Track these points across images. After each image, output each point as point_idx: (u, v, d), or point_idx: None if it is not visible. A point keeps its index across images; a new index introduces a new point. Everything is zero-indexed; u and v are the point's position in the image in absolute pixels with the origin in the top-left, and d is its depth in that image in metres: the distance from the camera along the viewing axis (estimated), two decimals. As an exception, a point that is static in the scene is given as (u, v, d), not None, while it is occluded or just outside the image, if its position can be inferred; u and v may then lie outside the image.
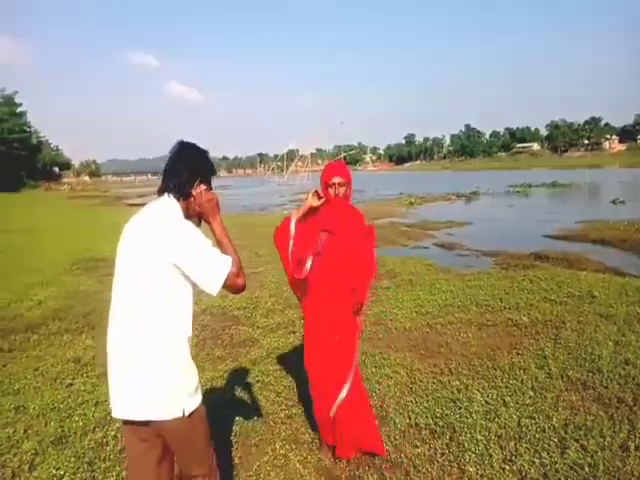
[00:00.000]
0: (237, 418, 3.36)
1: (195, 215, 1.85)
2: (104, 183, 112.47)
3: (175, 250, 1.68)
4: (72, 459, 2.89)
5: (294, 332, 5.12)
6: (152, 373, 1.69)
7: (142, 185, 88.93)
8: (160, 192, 1.86)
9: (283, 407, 3.50)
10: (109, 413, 3.48)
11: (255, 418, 3.36)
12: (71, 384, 4.02)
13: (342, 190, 2.65)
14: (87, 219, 21.73)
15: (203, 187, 1.86)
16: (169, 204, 1.81)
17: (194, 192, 1.83)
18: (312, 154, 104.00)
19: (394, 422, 3.22)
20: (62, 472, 2.76)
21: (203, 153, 1.91)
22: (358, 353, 2.85)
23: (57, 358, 4.62)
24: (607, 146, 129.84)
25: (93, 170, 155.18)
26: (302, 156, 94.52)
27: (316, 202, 2.66)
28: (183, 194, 1.82)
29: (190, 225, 1.75)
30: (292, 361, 4.33)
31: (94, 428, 3.26)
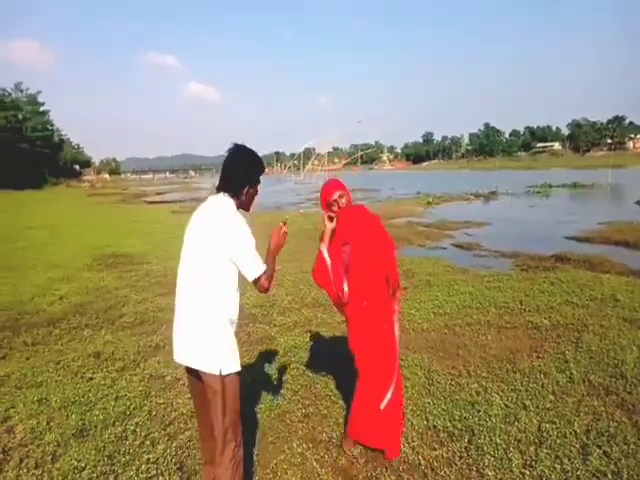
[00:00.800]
0: (254, 416, 3.37)
1: (242, 208, 2.26)
2: (123, 181, 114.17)
3: (229, 241, 2.09)
4: (93, 452, 2.94)
5: (310, 331, 5.12)
6: (203, 333, 2.12)
7: (160, 183, 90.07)
8: (218, 190, 2.24)
9: (300, 406, 3.51)
10: (128, 407, 3.57)
11: (272, 416, 3.37)
12: (91, 378, 4.09)
13: (344, 200, 2.84)
14: (107, 216, 22.09)
15: (284, 228, 2.30)
16: (224, 201, 2.20)
17: (242, 196, 2.24)
18: (329, 153, 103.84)
19: (412, 424, 3.19)
20: (83, 464, 2.81)
21: (256, 159, 2.28)
22: (399, 347, 2.91)
23: (78, 352, 4.71)
24: (631, 145, 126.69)
25: (113, 168, 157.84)
26: (319, 155, 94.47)
27: (333, 224, 2.84)
28: (237, 194, 2.22)
29: (242, 222, 2.13)
30: (309, 360, 4.34)
31: (114, 422, 3.31)
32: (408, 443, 2.98)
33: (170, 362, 4.37)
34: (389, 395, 2.77)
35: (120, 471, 2.76)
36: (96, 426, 3.25)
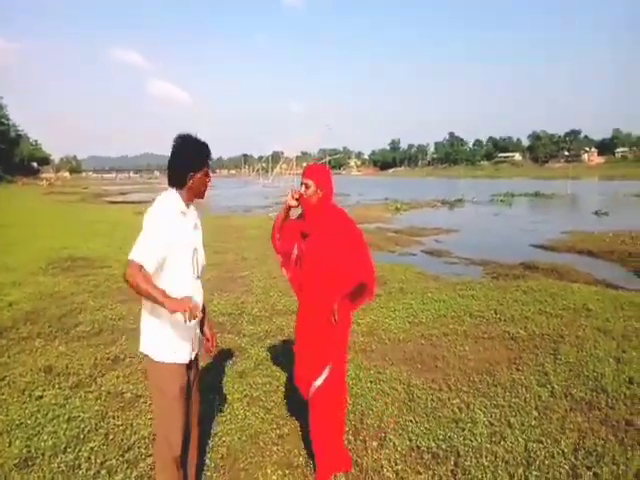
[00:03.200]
0: (224, 438, 3.09)
1: (197, 196, 2.26)
2: (84, 180, 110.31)
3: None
4: (38, 485, 2.59)
5: (283, 341, 4.86)
6: (144, 317, 2.22)
7: (123, 183, 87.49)
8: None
9: (274, 426, 3.25)
10: (82, 430, 3.21)
11: (244, 438, 3.10)
12: (41, 396, 3.68)
13: (309, 192, 2.61)
14: (65, 216, 21.06)
15: (195, 312, 2.01)
16: (161, 197, 2.17)
17: (189, 182, 2.18)
18: (297, 157, 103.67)
19: (394, 444, 2.99)
20: (26, 501, 2.46)
21: (196, 143, 2.18)
22: (343, 351, 2.73)
23: (27, 366, 4.27)
24: (586, 158, 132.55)
25: (73, 166, 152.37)
26: (287, 158, 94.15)
27: (293, 203, 2.68)
28: (181, 183, 2.19)
29: (157, 211, 2.09)
30: (282, 374, 4.08)
31: (65, 448, 2.95)
32: (391, 467, 2.78)
33: (130, 377, 4.03)
34: (313, 387, 2.62)
35: (70, 508, 2.43)
36: (44, 454, 2.88)
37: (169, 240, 2.06)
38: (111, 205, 31.15)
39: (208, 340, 2.42)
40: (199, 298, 2.26)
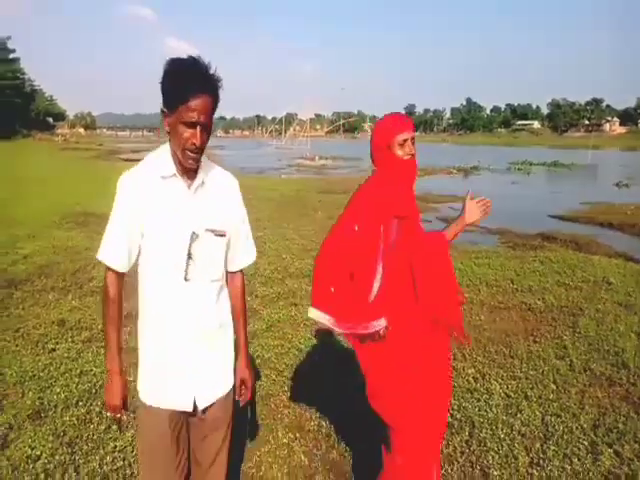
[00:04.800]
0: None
1: (180, 160, 1.44)
2: (99, 136, 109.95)
3: None
4: (50, 437, 2.59)
5: (295, 304, 4.81)
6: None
7: (137, 141, 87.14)
8: None
9: (285, 388, 3.22)
10: (94, 385, 3.20)
11: (255, 399, 3.07)
12: (54, 349, 3.70)
13: (414, 149, 1.84)
14: (79, 172, 21.05)
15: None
16: (153, 152, 1.54)
17: (165, 127, 1.43)
18: (311, 119, 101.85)
19: (407, 412, 2.94)
20: (38, 452, 2.46)
21: (175, 63, 1.36)
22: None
23: (40, 319, 4.29)
24: (608, 128, 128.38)
25: (88, 123, 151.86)
26: (300, 120, 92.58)
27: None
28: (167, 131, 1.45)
29: (118, 185, 1.47)
30: (294, 335, 4.04)
31: (77, 402, 2.96)
32: (404, 434, 2.73)
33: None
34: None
35: (81, 461, 2.43)
36: (56, 406, 2.89)
37: (134, 222, 1.44)
38: (125, 163, 31.07)
39: (242, 384, 1.66)
40: (195, 318, 1.50)
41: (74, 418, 2.78)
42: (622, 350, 3.79)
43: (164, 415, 1.51)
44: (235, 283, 1.69)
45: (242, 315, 1.70)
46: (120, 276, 1.52)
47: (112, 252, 1.48)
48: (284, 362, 3.59)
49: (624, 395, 3.18)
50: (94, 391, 3.10)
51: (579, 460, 2.51)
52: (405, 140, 1.80)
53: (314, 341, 3.94)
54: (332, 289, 1.82)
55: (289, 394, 3.16)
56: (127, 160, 33.43)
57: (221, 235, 1.53)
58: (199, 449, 1.61)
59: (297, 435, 2.73)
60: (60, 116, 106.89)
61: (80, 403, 2.94)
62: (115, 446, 2.55)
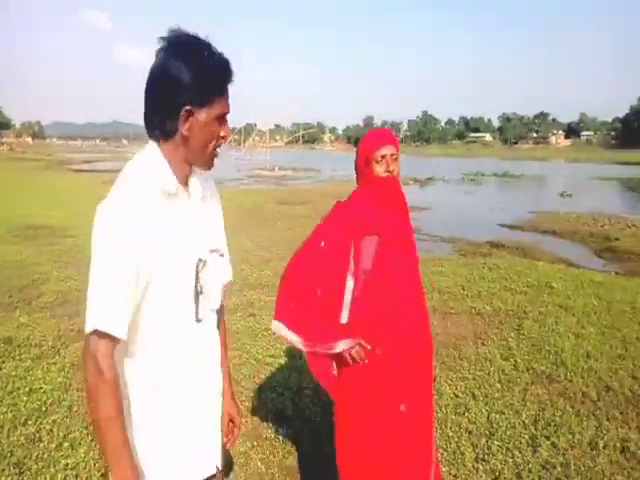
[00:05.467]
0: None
1: (198, 164, 1.19)
2: (48, 146, 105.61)
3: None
4: (-3, 459, 2.51)
5: (253, 315, 4.84)
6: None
7: (90, 151, 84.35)
8: None
9: (243, 398, 3.24)
10: (44, 402, 3.12)
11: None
12: (0, 368, 3.57)
13: (396, 167, 1.81)
14: (27, 183, 20.15)
15: None
16: (134, 160, 1.17)
17: (183, 129, 1.10)
18: (270, 130, 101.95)
19: (362, 416, 3.04)
20: (-16, 475, 2.39)
21: (191, 47, 1.08)
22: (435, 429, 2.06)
23: (-15, 337, 4.12)
24: (554, 141, 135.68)
25: (36, 132, 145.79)
26: (260, 131, 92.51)
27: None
28: (164, 132, 1.12)
29: (111, 227, 1.06)
30: (252, 346, 4.07)
31: (26, 421, 2.87)
32: (359, 437, 2.82)
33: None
34: None
35: (30, 481, 2.37)
36: (2, 427, 2.79)
37: (139, 269, 1.07)
38: (76, 174, 30.00)
39: (230, 420, 1.41)
40: (208, 362, 1.26)
41: (22, 437, 2.70)
42: (561, 349, 4.05)
43: None
44: (220, 309, 1.37)
45: (225, 344, 1.40)
46: (115, 346, 1.08)
47: (116, 317, 1.06)
48: (242, 372, 3.61)
49: (562, 391, 3.41)
50: (44, 409, 3.02)
51: (520, 453, 2.68)
52: (383, 156, 1.78)
53: (272, 351, 3.98)
54: (292, 305, 1.83)
55: (247, 404, 3.19)
56: (79, 171, 32.33)
57: (222, 255, 1.28)
58: None
59: (254, 443, 2.76)
60: (4, 125, 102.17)
61: (29, 422, 2.86)
62: (67, 463, 2.50)
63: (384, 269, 1.79)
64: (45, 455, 2.57)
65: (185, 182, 1.19)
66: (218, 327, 1.32)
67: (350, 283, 1.81)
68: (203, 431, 1.24)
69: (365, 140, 1.87)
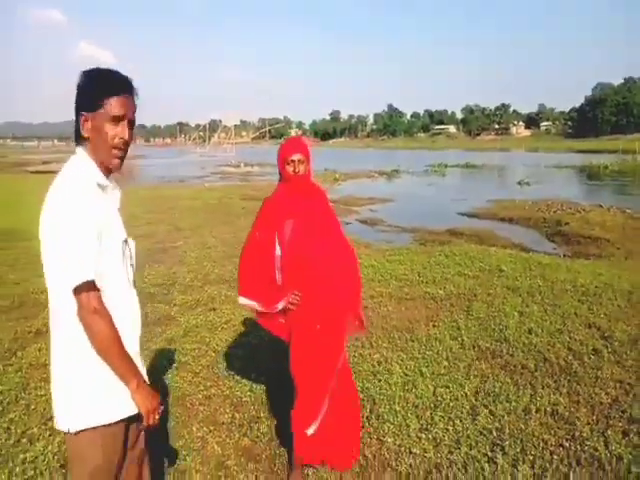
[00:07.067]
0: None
1: (103, 162, 1.46)
2: (2, 147, 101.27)
3: (49, 232, 1.39)
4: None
5: (214, 309, 4.93)
6: (52, 373, 1.52)
7: (47, 151, 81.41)
8: None
9: (201, 388, 3.35)
10: (1, 402, 3.14)
11: (171, 400, 3.18)
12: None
13: (302, 168, 2.38)
14: (-20, 187, 19.41)
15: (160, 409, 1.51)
16: (70, 162, 1.47)
17: (83, 132, 1.43)
18: (236, 126, 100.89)
19: (315, 397, 3.19)
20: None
21: (93, 72, 1.44)
22: (343, 356, 2.53)
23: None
24: (514, 131, 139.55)
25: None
26: (225, 127, 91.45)
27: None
28: (78, 137, 1.45)
29: (69, 198, 1.37)
30: (212, 339, 4.17)
31: None
32: (312, 417, 2.98)
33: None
34: (318, 420, 2.40)
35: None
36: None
37: (97, 235, 1.39)
38: (33, 175, 28.99)
39: None
40: (138, 319, 1.58)
41: None
42: (505, 327, 4.32)
43: (121, 427, 1.49)
44: None
45: None
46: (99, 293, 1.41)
47: (93, 269, 1.37)
48: (200, 364, 3.71)
49: (503, 365, 3.66)
50: (1, 408, 3.05)
51: (460, 422, 2.89)
52: (292, 160, 2.35)
53: (231, 342, 4.09)
54: (248, 280, 2.43)
55: (205, 393, 3.30)
56: (36, 172, 31.25)
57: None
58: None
59: (211, 428, 2.88)
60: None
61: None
62: (25, 457, 2.56)
63: (297, 243, 2.37)
64: (3, 451, 2.61)
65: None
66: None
67: (278, 253, 2.41)
68: None
69: (282, 147, 2.44)
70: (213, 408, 3.11)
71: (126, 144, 1.46)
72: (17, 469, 2.47)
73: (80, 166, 1.45)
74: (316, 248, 2.39)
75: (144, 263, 6.68)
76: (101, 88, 1.41)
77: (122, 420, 1.48)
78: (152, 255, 7.26)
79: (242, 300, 2.47)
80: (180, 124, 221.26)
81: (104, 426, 1.44)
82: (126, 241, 1.54)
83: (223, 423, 2.95)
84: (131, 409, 1.47)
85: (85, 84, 1.42)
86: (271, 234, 2.39)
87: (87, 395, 1.44)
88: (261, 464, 2.58)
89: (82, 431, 1.43)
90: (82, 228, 1.35)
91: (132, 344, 1.51)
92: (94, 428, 1.43)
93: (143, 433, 1.64)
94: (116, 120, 1.42)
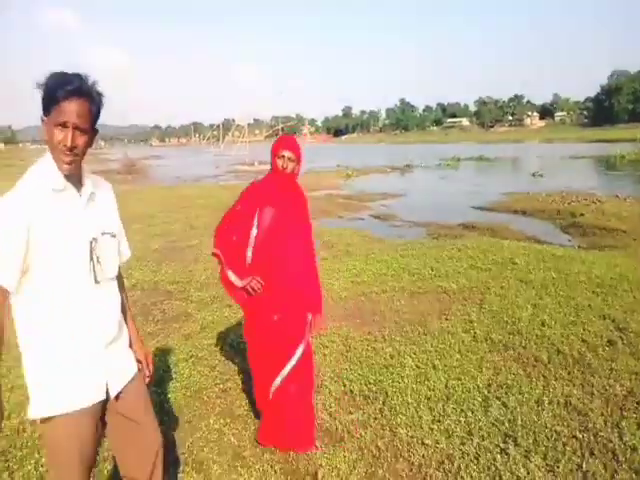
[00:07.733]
0: (169, 395, 3.25)
1: (57, 161, 1.49)
2: (21, 151, 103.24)
3: None
4: (-17, 449, 2.66)
5: (230, 305, 5.01)
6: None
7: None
8: None
9: (218, 381, 3.43)
10: (27, 397, 3.26)
11: (188, 394, 3.27)
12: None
13: (291, 165, 2.54)
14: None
15: None
16: (35, 165, 1.54)
17: (45, 136, 1.48)
18: (249, 124, 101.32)
19: (329, 390, 3.26)
20: (-29, 464, 2.54)
21: (53, 74, 1.45)
22: (307, 341, 2.66)
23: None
24: (528, 122, 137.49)
25: (8, 137, 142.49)
26: (239, 126, 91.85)
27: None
28: (42, 138, 1.53)
29: (3, 207, 1.42)
30: (227, 334, 4.26)
31: (10, 414, 3.01)
32: (326, 409, 3.04)
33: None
34: (275, 385, 2.58)
35: (16, 467, 2.51)
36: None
37: (26, 239, 1.41)
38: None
39: (145, 359, 1.86)
40: (105, 315, 1.62)
41: (7, 429, 2.85)
42: (518, 319, 4.33)
43: (84, 415, 1.55)
44: (119, 278, 1.79)
45: (127, 304, 1.87)
46: (7, 297, 1.44)
47: (5, 271, 1.41)
48: (217, 358, 3.80)
49: (516, 357, 3.68)
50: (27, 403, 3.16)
51: (472, 413, 2.93)
52: (283, 156, 2.52)
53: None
54: (222, 240, 2.56)
55: (221, 386, 3.38)
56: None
57: (114, 236, 1.67)
58: (132, 409, 1.69)
59: (227, 420, 2.96)
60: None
61: (13, 415, 3.00)
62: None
63: (274, 229, 2.53)
64: (29, 443, 2.73)
65: (79, 181, 1.56)
66: (120, 292, 1.73)
67: (254, 232, 2.54)
68: (93, 366, 1.58)
69: (277, 141, 2.62)
70: (229, 401, 3.19)
71: (70, 151, 1.45)
72: (43, 459, 2.56)
73: (37, 170, 1.51)
74: (290, 241, 2.56)
75: (161, 261, 6.84)
76: (48, 93, 1.43)
77: (83, 410, 1.54)
78: (169, 254, 7.40)
79: (216, 251, 2.59)
80: (194, 124, 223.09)
81: (61, 415, 1.52)
82: (96, 239, 1.56)
83: (239, 415, 3.02)
84: (88, 400, 1.55)
85: (42, 88, 1.44)
86: (252, 210, 2.54)
87: (43, 385, 1.53)
88: (276, 455, 2.65)
89: (46, 419, 1.53)
90: (3, 235, 1.39)
91: (90, 344, 1.56)
92: (51, 418, 1.53)
93: (158, 432, 1.77)
94: (61, 126, 1.43)
